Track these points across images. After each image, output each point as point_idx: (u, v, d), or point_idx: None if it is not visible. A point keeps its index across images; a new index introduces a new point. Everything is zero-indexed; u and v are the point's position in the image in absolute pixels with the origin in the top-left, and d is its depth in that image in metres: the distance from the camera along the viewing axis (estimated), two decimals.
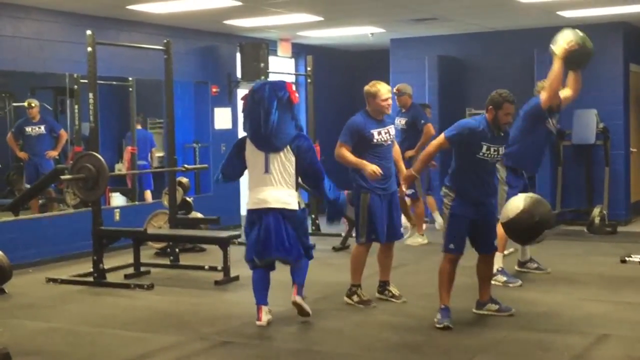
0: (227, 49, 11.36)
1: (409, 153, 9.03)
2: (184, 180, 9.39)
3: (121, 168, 10.96)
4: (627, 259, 8.14)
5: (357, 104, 7.01)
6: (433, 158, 6.31)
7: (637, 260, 8.05)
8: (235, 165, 6.13)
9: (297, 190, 6.00)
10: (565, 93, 7.24)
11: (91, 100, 7.62)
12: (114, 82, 10.52)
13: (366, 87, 6.45)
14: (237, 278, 7.53)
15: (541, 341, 5.42)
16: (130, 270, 8.02)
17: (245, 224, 6.02)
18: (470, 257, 6.08)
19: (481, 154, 5.75)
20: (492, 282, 6.44)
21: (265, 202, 5.83)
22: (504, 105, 5.77)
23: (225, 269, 7.56)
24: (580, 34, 7.02)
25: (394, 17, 10.20)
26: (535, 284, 7.19)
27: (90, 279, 7.62)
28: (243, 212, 10.61)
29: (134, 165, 10.55)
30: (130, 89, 10.63)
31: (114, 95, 10.97)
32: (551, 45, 7.04)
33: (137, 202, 10.62)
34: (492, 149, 5.77)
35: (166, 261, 8.50)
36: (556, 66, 6.96)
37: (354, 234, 6.88)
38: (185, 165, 8.97)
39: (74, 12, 9.18)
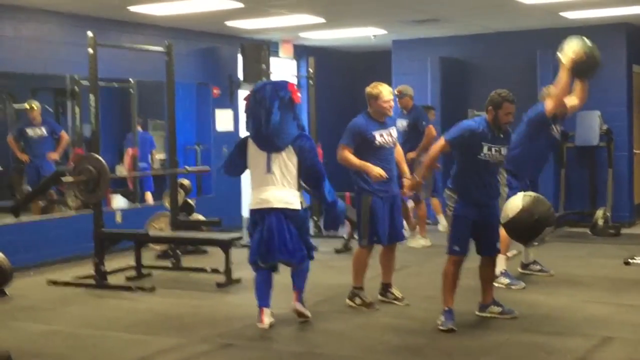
0: (228, 51, 11.34)
1: (411, 155, 8.99)
2: (186, 182, 9.37)
3: (122, 170, 10.95)
4: (630, 261, 8.11)
5: (359, 106, 6.98)
6: (436, 162, 6.29)
7: None
8: (237, 165, 6.14)
9: (299, 190, 5.99)
10: (572, 102, 7.13)
11: (92, 102, 7.60)
12: (115, 84, 10.51)
13: (368, 89, 6.43)
14: (238, 280, 7.50)
15: (544, 344, 5.39)
16: (132, 273, 7.99)
17: (249, 224, 6.02)
18: (473, 259, 6.05)
19: (482, 154, 5.73)
20: (495, 284, 6.43)
21: (267, 202, 5.82)
22: (504, 105, 5.76)
23: (227, 271, 7.53)
24: (589, 43, 6.86)
25: (395, 18, 10.18)
26: (539, 286, 7.16)
27: (92, 281, 7.60)
28: (245, 214, 10.64)
29: (135, 167, 10.52)
30: (132, 91, 10.62)
31: (115, 97, 10.96)
32: (558, 53, 6.94)
33: (138, 204, 10.60)
34: (493, 150, 5.76)
35: (168, 263, 8.47)
36: (563, 76, 6.85)
37: (356, 236, 6.85)
38: (187, 167, 8.95)
39: (74, 13, 9.17)
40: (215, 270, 7.85)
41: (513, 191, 6.92)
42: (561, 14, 9.90)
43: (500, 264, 6.92)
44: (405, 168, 6.64)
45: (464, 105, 11.66)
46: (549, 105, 7.05)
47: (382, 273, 6.63)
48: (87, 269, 7.96)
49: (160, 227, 9.09)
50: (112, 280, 7.68)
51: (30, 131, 9.91)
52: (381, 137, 6.31)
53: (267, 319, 5.87)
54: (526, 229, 5.97)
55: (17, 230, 8.60)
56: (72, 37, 9.06)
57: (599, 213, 10.29)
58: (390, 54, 12.30)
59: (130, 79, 10.50)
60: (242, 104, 6.12)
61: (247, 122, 5.97)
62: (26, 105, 9.97)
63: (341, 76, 13.60)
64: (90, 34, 7.59)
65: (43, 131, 9.92)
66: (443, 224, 9.76)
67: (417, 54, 11.92)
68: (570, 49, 6.83)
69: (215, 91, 11.15)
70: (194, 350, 5.45)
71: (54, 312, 6.68)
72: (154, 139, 11.36)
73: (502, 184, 7.12)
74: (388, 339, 5.65)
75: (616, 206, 10.72)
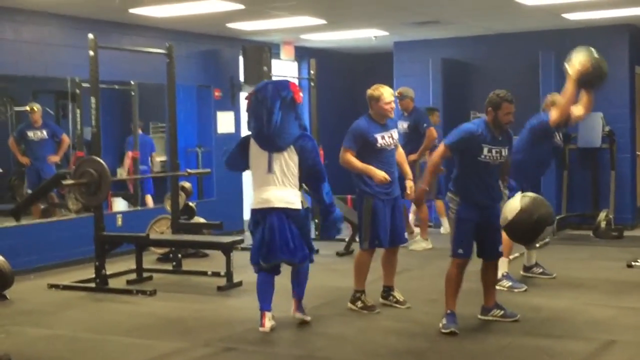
0: (229, 53, 11.33)
1: (412, 157, 8.97)
2: (187, 184, 9.35)
3: (122, 173, 10.93)
4: (633, 263, 8.09)
5: (360, 108, 6.97)
6: (439, 167, 6.28)
7: None
8: (238, 164, 6.16)
9: (300, 190, 5.97)
10: (577, 112, 7.04)
11: (93, 105, 7.59)
12: (116, 86, 10.49)
13: (369, 91, 6.41)
14: (240, 284, 7.49)
15: (546, 347, 5.37)
16: (133, 276, 7.97)
17: (250, 224, 6.01)
18: (475, 262, 6.03)
19: (482, 156, 5.72)
20: (497, 287, 6.41)
21: (268, 201, 5.81)
22: (503, 105, 5.74)
23: (228, 275, 7.51)
24: (595, 55, 6.78)
25: (397, 20, 10.16)
26: (541, 289, 7.14)
27: (93, 285, 7.59)
28: (246, 217, 10.61)
29: (136, 170, 10.50)
30: (133, 93, 10.61)
31: (116, 100, 10.95)
32: (565, 64, 6.88)
33: (139, 207, 10.58)
34: (493, 151, 5.74)
35: (169, 267, 8.46)
36: (569, 88, 6.78)
37: (357, 239, 6.84)
38: (188, 170, 8.92)
39: (75, 15, 9.16)
40: (216, 274, 7.84)
41: (512, 193, 6.90)
42: (563, 15, 9.88)
43: (502, 266, 6.90)
44: (407, 169, 6.62)
45: (466, 107, 11.63)
46: (553, 115, 7.01)
47: (384, 276, 6.61)
48: (87, 272, 7.94)
49: (161, 230, 9.08)
50: (112, 283, 7.66)
51: (31, 134, 9.92)
52: (383, 139, 6.29)
53: (268, 323, 5.85)
54: (527, 230, 5.97)
55: (17, 233, 8.59)
56: (73, 40, 9.04)
57: (602, 215, 10.25)
58: (391, 56, 12.27)
59: (131, 82, 10.48)
60: (243, 107, 6.11)
61: (249, 122, 5.96)
62: (27, 108, 9.98)
63: (342, 78, 13.59)
64: (91, 36, 7.58)
65: (44, 134, 9.93)
66: (445, 226, 9.74)
67: (419, 55, 11.89)
68: (577, 60, 6.76)
69: (217, 93, 11.14)
70: (196, 354, 5.43)
71: (55, 316, 6.66)
72: (154, 141, 11.36)
73: (503, 186, 7.10)
74: (390, 342, 5.63)
75: (619, 208, 10.68)
